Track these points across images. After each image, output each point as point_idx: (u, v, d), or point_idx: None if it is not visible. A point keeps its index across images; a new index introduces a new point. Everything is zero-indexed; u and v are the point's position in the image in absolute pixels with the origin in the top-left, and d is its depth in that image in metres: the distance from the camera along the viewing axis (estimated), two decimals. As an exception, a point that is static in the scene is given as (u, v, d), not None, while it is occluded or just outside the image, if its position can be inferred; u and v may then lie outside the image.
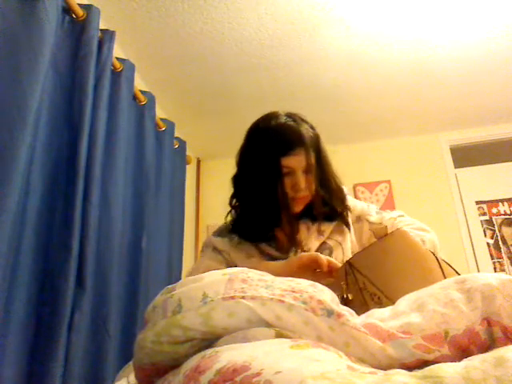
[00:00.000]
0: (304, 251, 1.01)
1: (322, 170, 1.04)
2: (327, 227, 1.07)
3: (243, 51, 2.09)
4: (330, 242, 1.06)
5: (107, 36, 1.50)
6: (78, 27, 1.35)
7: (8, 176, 0.97)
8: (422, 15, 1.95)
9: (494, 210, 2.89)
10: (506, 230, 2.84)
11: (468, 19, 1.99)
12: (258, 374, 0.40)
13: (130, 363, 0.76)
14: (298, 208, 1.03)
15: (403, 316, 0.54)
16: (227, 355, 0.46)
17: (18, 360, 1.01)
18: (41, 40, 1.11)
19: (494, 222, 2.87)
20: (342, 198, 1.09)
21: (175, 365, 0.55)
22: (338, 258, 1.00)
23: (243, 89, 2.35)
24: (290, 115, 1.06)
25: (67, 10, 1.33)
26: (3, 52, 1.03)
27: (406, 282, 0.75)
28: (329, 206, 1.06)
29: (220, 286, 0.59)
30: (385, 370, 0.45)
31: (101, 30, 1.46)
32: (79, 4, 1.35)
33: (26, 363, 1.03)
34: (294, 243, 1.04)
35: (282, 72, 2.28)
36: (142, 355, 0.59)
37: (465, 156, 3.07)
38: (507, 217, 2.87)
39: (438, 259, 0.85)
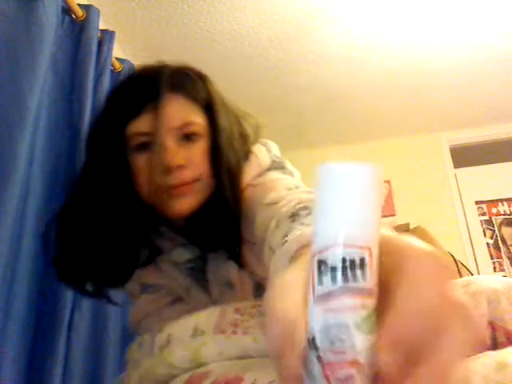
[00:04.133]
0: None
1: (223, 134, 0.63)
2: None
3: (243, 51, 2.09)
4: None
5: (107, 36, 1.50)
6: (77, 27, 1.36)
7: (8, 176, 0.97)
8: (422, 17, 1.95)
9: (494, 210, 2.89)
10: (505, 230, 2.84)
11: (467, 20, 1.99)
12: None
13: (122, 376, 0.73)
14: (178, 204, 0.60)
15: None
16: (218, 370, 0.45)
17: (18, 360, 1.01)
18: (40, 40, 1.10)
19: (494, 222, 2.87)
20: (236, 195, 0.63)
21: None
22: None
23: (243, 89, 2.35)
24: (161, 63, 0.67)
25: (67, 10, 1.33)
26: (3, 52, 1.03)
27: None
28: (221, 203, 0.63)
29: (212, 319, 0.53)
30: None
31: (101, 30, 1.46)
32: (79, 4, 1.35)
33: (25, 363, 1.03)
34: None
35: (281, 72, 2.28)
36: None
37: (464, 156, 3.07)
38: (507, 217, 2.87)
39: (454, 259, 0.83)
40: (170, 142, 0.58)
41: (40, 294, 1.11)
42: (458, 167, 2.98)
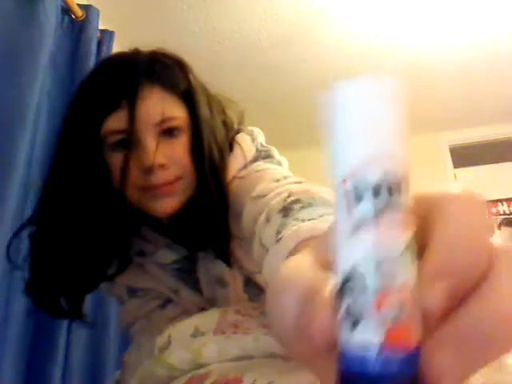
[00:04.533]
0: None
1: (199, 131, 0.58)
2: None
3: (242, 51, 2.09)
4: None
5: (107, 36, 1.50)
6: (77, 27, 1.36)
7: (8, 176, 0.97)
8: (422, 18, 1.95)
9: (494, 210, 2.89)
10: (505, 230, 2.84)
11: (467, 20, 1.99)
12: None
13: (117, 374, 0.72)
14: (161, 204, 0.56)
15: None
16: (217, 371, 0.44)
17: (18, 360, 1.01)
18: (40, 40, 1.10)
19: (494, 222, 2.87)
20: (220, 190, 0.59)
21: None
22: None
23: (242, 89, 2.35)
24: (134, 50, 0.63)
25: (66, 10, 1.33)
26: (2, 52, 1.03)
27: None
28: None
29: (212, 319, 0.52)
30: None
31: (100, 30, 1.46)
32: (78, 4, 1.35)
33: (25, 364, 1.03)
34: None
35: (281, 72, 2.28)
36: None
37: (464, 156, 3.07)
38: (507, 217, 2.87)
39: None
40: (150, 140, 0.53)
41: (40, 294, 1.11)
42: (457, 167, 2.98)
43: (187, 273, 0.65)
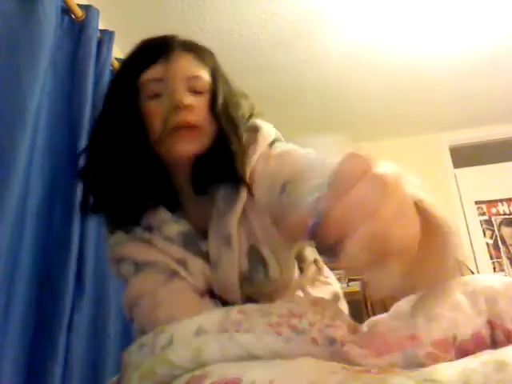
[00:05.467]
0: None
1: (219, 95, 0.69)
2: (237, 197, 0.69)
3: (242, 51, 2.09)
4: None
5: (106, 36, 1.50)
6: (77, 27, 1.35)
7: (7, 176, 0.97)
8: (422, 19, 1.96)
9: (494, 210, 2.89)
10: (505, 230, 2.84)
11: (468, 22, 1.99)
12: None
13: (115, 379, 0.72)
14: (183, 145, 0.66)
15: (410, 319, 0.52)
16: (217, 371, 0.44)
17: (18, 360, 1.01)
18: (40, 40, 1.10)
19: (494, 222, 2.87)
20: (243, 148, 0.69)
21: None
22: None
23: (242, 89, 2.35)
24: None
25: (66, 10, 1.32)
26: (2, 52, 1.03)
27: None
28: (226, 158, 0.68)
29: (216, 318, 0.54)
30: None
31: (100, 30, 1.46)
32: (78, 4, 1.35)
33: (25, 363, 1.03)
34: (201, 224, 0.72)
35: (281, 72, 2.28)
36: None
37: (464, 156, 3.07)
38: (506, 217, 2.87)
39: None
40: (180, 86, 0.65)
41: (40, 294, 1.11)
42: (457, 167, 2.98)
43: (193, 244, 0.71)
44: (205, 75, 0.68)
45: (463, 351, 0.47)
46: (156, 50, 0.67)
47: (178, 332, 0.53)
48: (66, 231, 1.17)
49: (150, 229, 0.72)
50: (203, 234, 0.72)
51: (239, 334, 0.50)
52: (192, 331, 0.52)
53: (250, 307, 0.57)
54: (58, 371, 1.05)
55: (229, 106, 0.70)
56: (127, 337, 1.42)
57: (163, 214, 0.72)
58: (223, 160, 0.67)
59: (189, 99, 0.64)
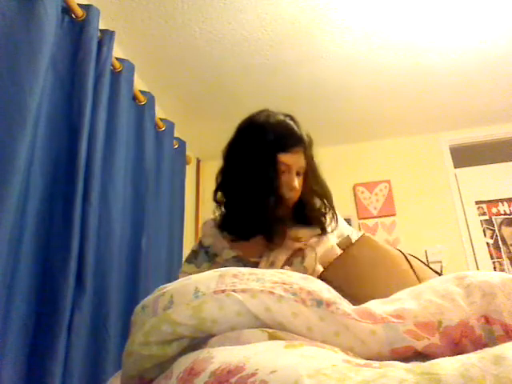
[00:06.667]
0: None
1: (313, 175, 1.04)
2: (305, 233, 1.03)
3: (243, 51, 2.09)
4: (305, 249, 1.01)
5: (107, 36, 1.50)
6: (77, 27, 1.35)
7: (7, 176, 0.97)
8: (422, 18, 1.96)
9: (494, 210, 2.89)
10: (505, 230, 2.84)
11: (468, 21, 1.99)
12: (253, 375, 0.40)
13: (117, 374, 0.74)
14: (286, 209, 0.99)
15: (398, 302, 0.55)
16: (221, 356, 0.46)
17: (18, 360, 1.01)
18: (40, 40, 1.10)
19: (494, 222, 2.87)
20: (330, 204, 1.06)
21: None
22: (310, 265, 0.97)
23: (243, 89, 2.35)
24: (287, 114, 1.05)
25: (67, 10, 1.32)
26: (3, 52, 1.03)
27: (380, 288, 0.74)
28: (315, 211, 1.05)
29: (212, 281, 0.60)
30: (377, 359, 0.45)
31: (100, 30, 1.46)
32: (79, 4, 1.35)
33: (25, 363, 1.03)
34: (275, 245, 0.99)
35: (281, 72, 2.28)
36: (129, 365, 0.60)
37: (464, 156, 3.07)
38: (507, 217, 2.87)
39: (406, 257, 0.86)
40: (294, 175, 0.99)
41: (40, 294, 1.11)
42: (458, 167, 2.98)
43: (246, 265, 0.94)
44: (305, 164, 1.02)
45: (449, 337, 0.49)
46: (288, 141, 0.98)
47: (176, 293, 0.59)
48: (66, 231, 1.17)
49: (215, 255, 1.08)
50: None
51: (235, 294, 0.56)
52: (191, 293, 0.58)
53: (244, 271, 0.63)
54: (58, 371, 1.05)
55: (318, 181, 1.06)
56: (127, 336, 1.42)
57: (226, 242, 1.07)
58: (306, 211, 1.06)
59: (297, 184, 0.99)
